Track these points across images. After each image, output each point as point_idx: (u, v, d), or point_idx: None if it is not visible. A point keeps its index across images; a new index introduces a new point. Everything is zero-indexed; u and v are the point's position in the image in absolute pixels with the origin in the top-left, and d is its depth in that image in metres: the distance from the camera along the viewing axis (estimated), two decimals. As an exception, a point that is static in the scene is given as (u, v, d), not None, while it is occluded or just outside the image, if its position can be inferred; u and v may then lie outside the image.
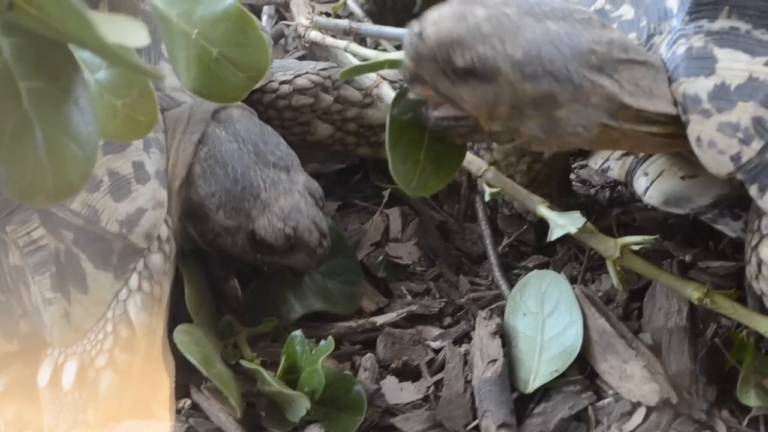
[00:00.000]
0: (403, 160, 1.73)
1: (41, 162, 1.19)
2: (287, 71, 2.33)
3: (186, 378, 2.00)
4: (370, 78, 2.16)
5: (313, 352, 1.97)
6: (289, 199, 2.06)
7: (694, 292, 1.81)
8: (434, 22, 1.57)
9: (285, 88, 2.31)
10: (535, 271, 2.11)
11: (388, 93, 2.12)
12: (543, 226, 1.99)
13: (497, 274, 2.24)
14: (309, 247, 2.07)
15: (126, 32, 1.20)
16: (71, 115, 1.21)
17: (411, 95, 1.70)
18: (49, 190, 1.21)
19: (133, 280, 1.89)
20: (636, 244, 1.85)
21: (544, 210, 1.91)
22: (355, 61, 2.22)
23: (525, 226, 2.33)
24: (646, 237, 1.85)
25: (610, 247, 1.86)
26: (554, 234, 1.88)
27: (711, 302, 1.80)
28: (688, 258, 2.17)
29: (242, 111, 2.15)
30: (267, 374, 1.94)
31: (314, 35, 2.31)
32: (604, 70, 1.61)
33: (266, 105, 2.31)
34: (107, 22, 1.16)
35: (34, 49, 1.20)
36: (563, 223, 1.87)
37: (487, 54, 1.55)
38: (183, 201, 2.07)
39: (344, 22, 2.37)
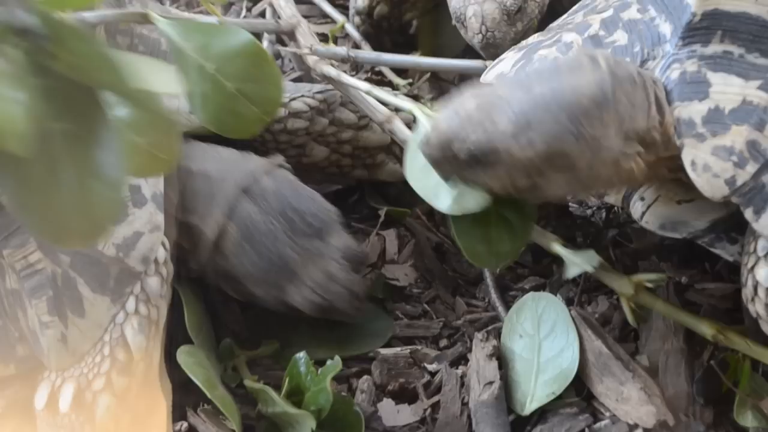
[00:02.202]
0: (471, 241, 1.77)
1: (71, 204, 1.19)
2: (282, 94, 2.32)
3: (182, 400, 2.00)
4: (381, 112, 2.16)
5: (320, 372, 1.97)
6: (321, 268, 2.07)
7: (707, 329, 1.82)
8: (434, 128, 1.65)
9: (280, 111, 2.30)
10: (531, 293, 2.11)
11: (401, 129, 2.13)
12: (539, 247, 2.00)
13: (494, 296, 2.23)
14: (344, 314, 2.09)
15: (159, 79, 1.21)
16: (100, 156, 1.21)
17: None
18: (79, 232, 1.21)
19: (130, 304, 1.89)
20: (650, 281, 1.86)
21: (559, 248, 1.92)
22: (370, 99, 2.20)
23: (522, 248, 2.32)
24: (660, 275, 1.88)
25: (624, 284, 1.87)
26: (570, 273, 1.89)
27: (725, 339, 1.80)
28: (684, 280, 2.17)
29: (274, 178, 2.15)
30: (273, 394, 1.94)
31: (329, 70, 2.29)
32: (602, 107, 1.62)
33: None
34: (141, 67, 1.17)
35: (64, 91, 1.20)
36: (579, 262, 1.88)
37: (481, 139, 1.60)
38: (217, 267, 2.10)
39: (342, 50, 2.36)
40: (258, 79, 1.57)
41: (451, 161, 1.64)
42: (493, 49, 2.36)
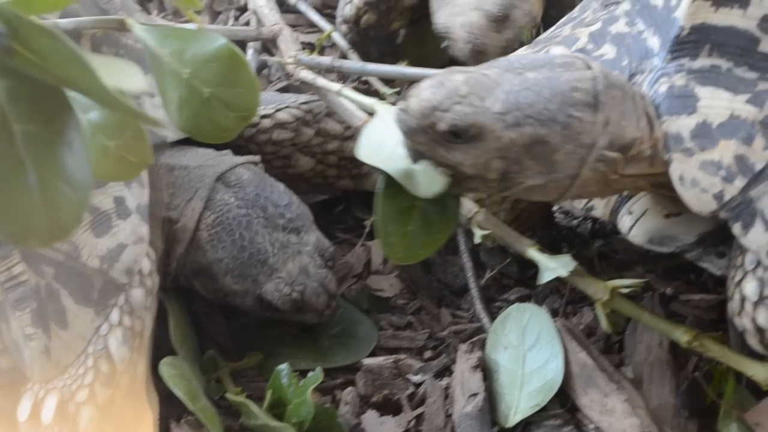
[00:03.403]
0: (391, 233, 1.75)
1: (34, 205, 1.19)
2: (268, 105, 2.33)
3: (166, 412, 2.00)
4: (358, 117, 2.15)
5: (301, 383, 1.96)
6: (297, 263, 2.09)
7: (683, 335, 1.81)
8: (415, 95, 1.61)
9: (266, 122, 2.31)
10: (516, 305, 2.11)
11: None
12: (525, 258, 1.99)
13: (479, 307, 2.23)
14: (316, 309, 2.09)
15: (123, 76, 1.19)
16: (65, 158, 1.21)
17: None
18: (42, 233, 1.20)
19: (114, 315, 1.88)
20: (625, 287, 1.85)
21: (534, 253, 1.91)
22: (348, 104, 2.20)
23: (508, 259, 2.32)
24: (636, 281, 1.86)
25: (599, 290, 1.86)
26: (545, 277, 1.88)
27: (700, 345, 1.80)
28: (669, 291, 2.17)
29: (252, 171, 2.18)
30: (254, 407, 1.94)
31: (304, 74, 2.29)
32: (591, 105, 1.61)
33: (247, 139, 2.31)
34: (104, 66, 1.16)
35: (29, 91, 1.19)
36: (554, 267, 1.87)
37: (466, 111, 1.58)
38: (191, 262, 2.10)
39: (327, 60, 2.36)
40: (233, 83, 1.55)
41: (428, 132, 1.60)
42: (483, 57, 2.36)
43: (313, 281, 2.08)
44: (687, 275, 2.21)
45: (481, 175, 1.64)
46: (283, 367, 2.00)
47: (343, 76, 2.75)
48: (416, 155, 1.65)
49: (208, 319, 2.20)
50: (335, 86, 2.21)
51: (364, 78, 2.74)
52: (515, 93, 1.59)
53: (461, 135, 1.59)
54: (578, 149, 1.62)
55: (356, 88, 2.52)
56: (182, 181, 2.12)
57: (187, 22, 2.21)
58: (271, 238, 2.08)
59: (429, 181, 1.68)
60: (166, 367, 1.95)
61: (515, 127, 1.58)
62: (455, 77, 1.61)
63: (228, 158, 2.18)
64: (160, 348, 2.03)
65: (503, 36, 2.43)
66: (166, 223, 2.09)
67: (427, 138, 1.61)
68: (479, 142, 1.59)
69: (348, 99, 2.18)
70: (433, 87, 1.60)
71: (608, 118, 1.62)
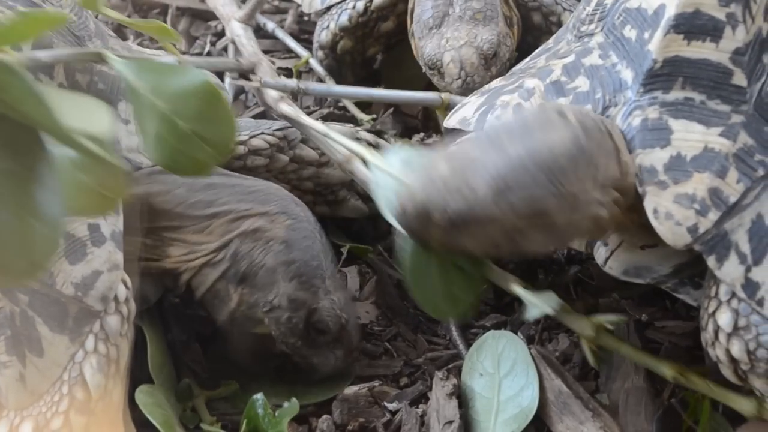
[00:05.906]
0: (434, 298, 1.82)
1: (6, 242, 1.19)
2: (243, 131, 2.32)
3: (141, 440, 1.99)
4: (340, 152, 2.13)
5: (277, 414, 1.96)
6: (343, 294, 2.11)
7: (668, 370, 1.81)
8: (409, 196, 1.64)
9: (240, 149, 2.29)
10: (491, 332, 2.10)
11: (361, 169, 2.08)
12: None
13: (455, 334, 2.23)
14: (351, 343, 2.11)
15: (89, 116, 1.19)
16: (37, 194, 1.21)
17: None
18: (14, 271, 1.20)
19: (89, 343, 1.87)
20: (610, 322, 1.86)
21: (518, 290, 1.91)
22: (332, 143, 2.19)
23: (479, 292, 2.31)
24: (621, 317, 1.87)
25: (585, 327, 1.86)
26: (530, 314, 1.88)
27: (686, 380, 1.80)
28: (644, 317, 2.17)
29: None
30: (229, 437, 1.94)
31: (287, 109, 2.27)
32: (578, 162, 1.63)
33: (221, 166, 2.30)
34: (70, 105, 1.16)
35: (1, 128, 1.19)
36: (538, 303, 1.88)
37: (460, 207, 1.59)
38: (245, 266, 2.08)
39: (292, 82, 2.34)
40: (212, 118, 1.55)
41: (430, 230, 1.63)
42: (470, 92, 2.37)
43: (353, 316, 2.12)
44: (663, 302, 2.21)
45: (490, 252, 1.69)
46: (259, 397, 1.99)
47: (320, 101, 2.75)
48: (427, 247, 1.71)
49: (185, 347, 2.19)
50: (321, 128, 2.19)
51: (341, 104, 2.74)
52: (502, 176, 1.60)
53: (461, 229, 1.61)
54: (576, 207, 1.64)
55: (333, 114, 2.53)
56: (245, 188, 2.14)
57: (162, 48, 2.21)
58: (327, 263, 2.11)
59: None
60: (142, 395, 1.95)
61: (511, 211, 1.60)
62: (441, 168, 1.63)
63: None
64: (137, 376, 2.02)
65: (490, 72, 2.44)
66: (201, 221, 2.11)
67: (432, 235, 1.64)
68: (480, 230, 1.62)
69: (333, 141, 2.17)
70: (424, 186, 1.63)
71: (596, 166, 1.64)
